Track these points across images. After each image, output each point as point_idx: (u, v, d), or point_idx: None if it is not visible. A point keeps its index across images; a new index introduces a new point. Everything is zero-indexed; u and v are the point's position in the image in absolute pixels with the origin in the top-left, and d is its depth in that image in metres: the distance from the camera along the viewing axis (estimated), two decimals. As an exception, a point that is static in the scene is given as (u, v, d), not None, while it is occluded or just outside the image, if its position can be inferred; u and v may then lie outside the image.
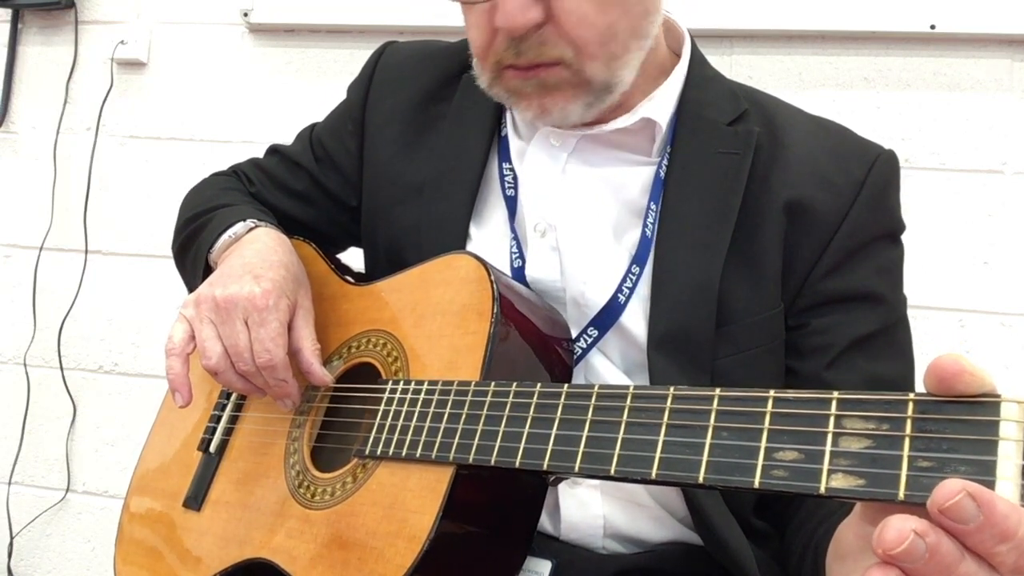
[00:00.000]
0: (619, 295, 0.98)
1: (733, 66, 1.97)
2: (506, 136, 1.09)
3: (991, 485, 0.50)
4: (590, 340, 0.99)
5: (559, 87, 0.95)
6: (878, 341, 0.99)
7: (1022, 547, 0.50)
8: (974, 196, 1.87)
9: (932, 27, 1.86)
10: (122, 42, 2.28)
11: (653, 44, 1.00)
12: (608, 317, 0.98)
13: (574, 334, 0.99)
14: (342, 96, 1.26)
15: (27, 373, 2.32)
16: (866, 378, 0.96)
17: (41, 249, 2.32)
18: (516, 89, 0.97)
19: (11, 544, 2.32)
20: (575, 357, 0.98)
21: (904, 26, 1.87)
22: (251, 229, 1.11)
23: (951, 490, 0.50)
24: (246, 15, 2.21)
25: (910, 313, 1.04)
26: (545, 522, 1.00)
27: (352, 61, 2.17)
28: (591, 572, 0.98)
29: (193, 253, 1.17)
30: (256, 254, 1.04)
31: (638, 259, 0.99)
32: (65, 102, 2.33)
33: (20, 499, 2.34)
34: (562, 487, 0.99)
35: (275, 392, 1.00)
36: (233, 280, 0.99)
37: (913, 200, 1.82)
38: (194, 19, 2.28)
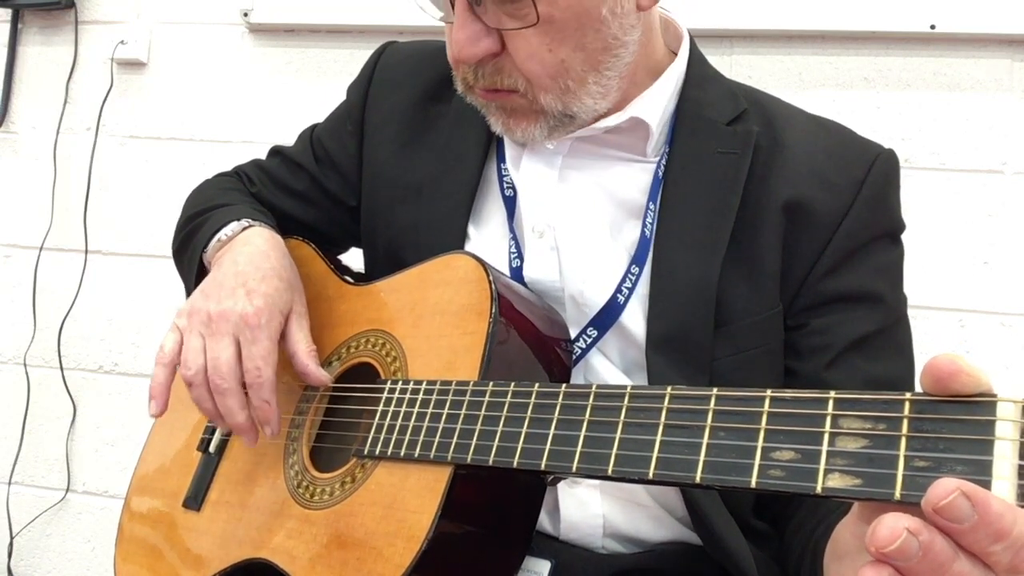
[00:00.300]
0: (619, 295, 0.98)
1: (733, 66, 1.97)
2: (503, 138, 1.09)
3: (987, 485, 0.50)
4: (589, 340, 0.99)
5: (517, 112, 0.98)
6: (878, 341, 0.99)
7: (1016, 546, 0.49)
8: (974, 196, 1.87)
9: (932, 27, 1.86)
10: (122, 42, 2.28)
11: (639, 51, 0.99)
12: (608, 317, 0.98)
13: (573, 334, 0.99)
14: (342, 96, 1.26)
15: (27, 373, 2.32)
16: (866, 378, 0.96)
17: (41, 249, 2.32)
18: (482, 106, 1.00)
19: (11, 544, 2.32)
20: (574, 357, 0.98)
21: (904, 26, 1.87)
22: (244, 228, 1.11)
23: (945, 489, 0.49)
24: (246, 15, 2.21)
25: (910, 313, 1.04)
26: (544, 522, 1.00)
27: (352, 61, 2.17)
28: (590, 572, 0.98)
29: (189, 253, 1.17)
30: (249, 261, 1.04)
31: (637, 259, 0.99)
32: (65, 102, 2.33)
33: (20, 499, 2.34)
34: (561, 487, 0.99)
35: (259, 416, 0.98)
36: (227, 294, 1.00)
37: (913, 200, 1.81)
38: (194, 19, 2.28)
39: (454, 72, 1.00)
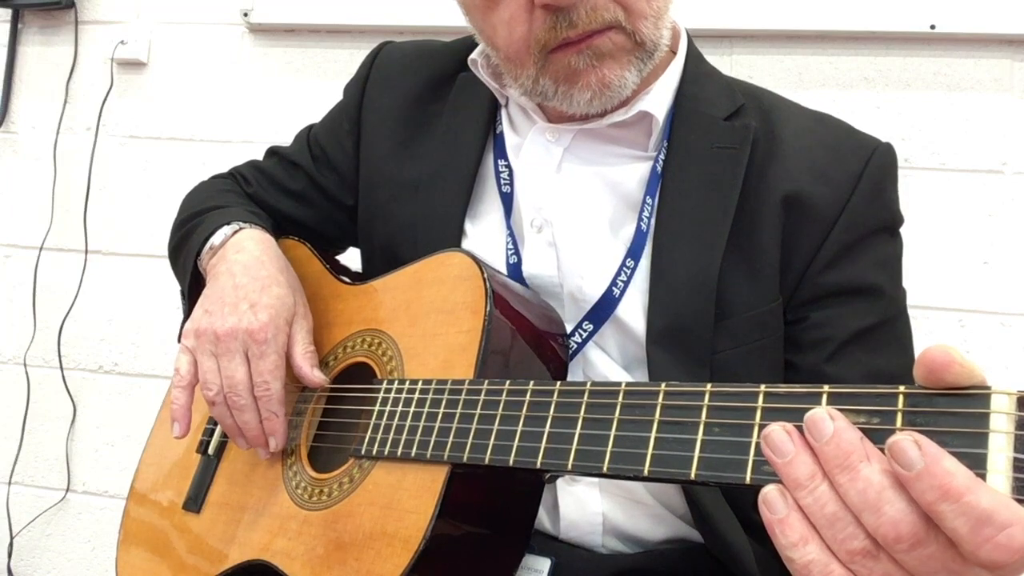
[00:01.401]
0: (613, 288, 0.98)
1: (733, 66, 1.97)
2: (501, 133, 1.09)
3: (983, 478, 0.50)
4: (585, 334, 0.99)
5: (614, 54, 0.93)
6: (878, 334, 0.98)
7: (971, 516, 0.48)
8: (974, 196, 1.87)
9: (932, 27, 1.85)
10: (122, 42, 2.28)
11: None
12: (603, 311, 0.98)
13: (569, 329, 0.99)
14: (341, 96, 1.26)
15: (27, 373, 2.32)
16: (866, 371, 0.96)
17: (41, 249, 2.32)
18: (570, 69, 0.94)
19: (11, 544, 2.32)
20: (571, 352, 0.98)
21: (904, 26, 1.87)
22: (235, 232, 1.11)
23: (903, 436, 0.52)
24: (246, 15, 2.21)
25: (910, 312, 1.04)
26: (544, 520, 1.01)
27: (352, 61, 2.17)
28: (591, 571, 0.98)
29: (183, 258, 1.18)
30: (245, 271, 1.05)
31: (633, 252, 0.99)
32: (65, 102, 2.33)
33: (20, 499, 2.34)
34: (561, 485, 0.99)
35: (266, 427, 1.00)
36: (230, 310, 1.01)
37: (913, 200, 1.82)
38: (194, 19, 2.28)
39: (519, 58, 0.96)
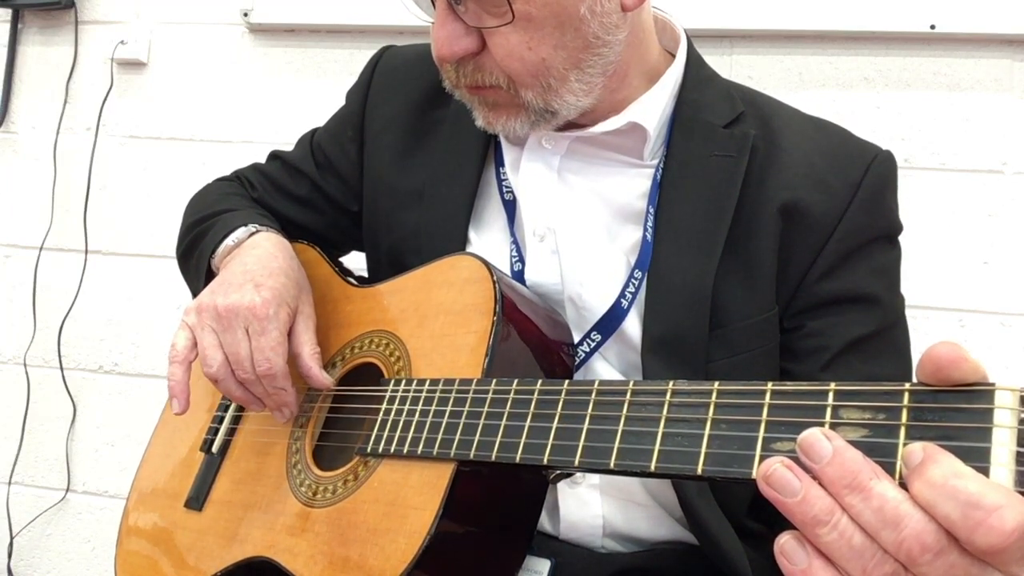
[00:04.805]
0: (622, 300, 0.98)
1: (733, 66, 1.97)
2: (500, 141, 1.09)
3: (986, 472, 0.50)
4: (593, 344, 0.99)
5: (499, 106, 0.98)
6: (874, 342, 0.99)
7: (960, 500, 0.48)
8: (974, 196, 1.87)
9: (932, 27, 1.86)
10: (122, 42, 2.28)
11: (630, 52, 1.00)
12: (612, 322, 0.99)
13: (577, 338, 0.99)
14: (342, 96, 1.26)
15: (27, 373, 2.32)
16: (862, 379, 0.96)
17: (41, 249, 2.32)
18: (468, 100, 1.01)
19: (11, 544, 2.32)
20: (578, 361, 0.98)
21: (904, 26, 1.87)
22: (252, 234, 1.11)
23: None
24: (246, 15, 2.21)
25: (910, 313, 1.04)
26: (544, 521, 1.01)
27: (352, 61, 2.17)
28: (590, 571, 0.99)
29: (196, 258, 1.17)
30: (256, 260, 1.05)
31: (640, 264, 0.99)
32: (65, 102, 2.33)
33: (20, 499, 2.33)
34: (561, 486, 0.99)
35: (273, 401, 1.00)
36: (234, 289, 1.00)
37: (913, 200, 1.82)
38: (194, 19, 2.28)
39: (440, 70, 1.01)
